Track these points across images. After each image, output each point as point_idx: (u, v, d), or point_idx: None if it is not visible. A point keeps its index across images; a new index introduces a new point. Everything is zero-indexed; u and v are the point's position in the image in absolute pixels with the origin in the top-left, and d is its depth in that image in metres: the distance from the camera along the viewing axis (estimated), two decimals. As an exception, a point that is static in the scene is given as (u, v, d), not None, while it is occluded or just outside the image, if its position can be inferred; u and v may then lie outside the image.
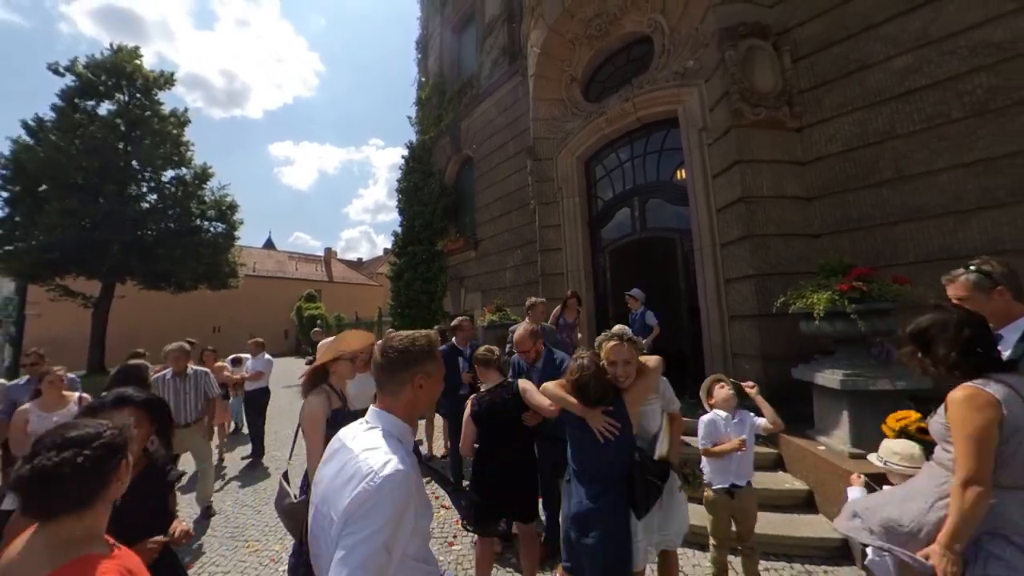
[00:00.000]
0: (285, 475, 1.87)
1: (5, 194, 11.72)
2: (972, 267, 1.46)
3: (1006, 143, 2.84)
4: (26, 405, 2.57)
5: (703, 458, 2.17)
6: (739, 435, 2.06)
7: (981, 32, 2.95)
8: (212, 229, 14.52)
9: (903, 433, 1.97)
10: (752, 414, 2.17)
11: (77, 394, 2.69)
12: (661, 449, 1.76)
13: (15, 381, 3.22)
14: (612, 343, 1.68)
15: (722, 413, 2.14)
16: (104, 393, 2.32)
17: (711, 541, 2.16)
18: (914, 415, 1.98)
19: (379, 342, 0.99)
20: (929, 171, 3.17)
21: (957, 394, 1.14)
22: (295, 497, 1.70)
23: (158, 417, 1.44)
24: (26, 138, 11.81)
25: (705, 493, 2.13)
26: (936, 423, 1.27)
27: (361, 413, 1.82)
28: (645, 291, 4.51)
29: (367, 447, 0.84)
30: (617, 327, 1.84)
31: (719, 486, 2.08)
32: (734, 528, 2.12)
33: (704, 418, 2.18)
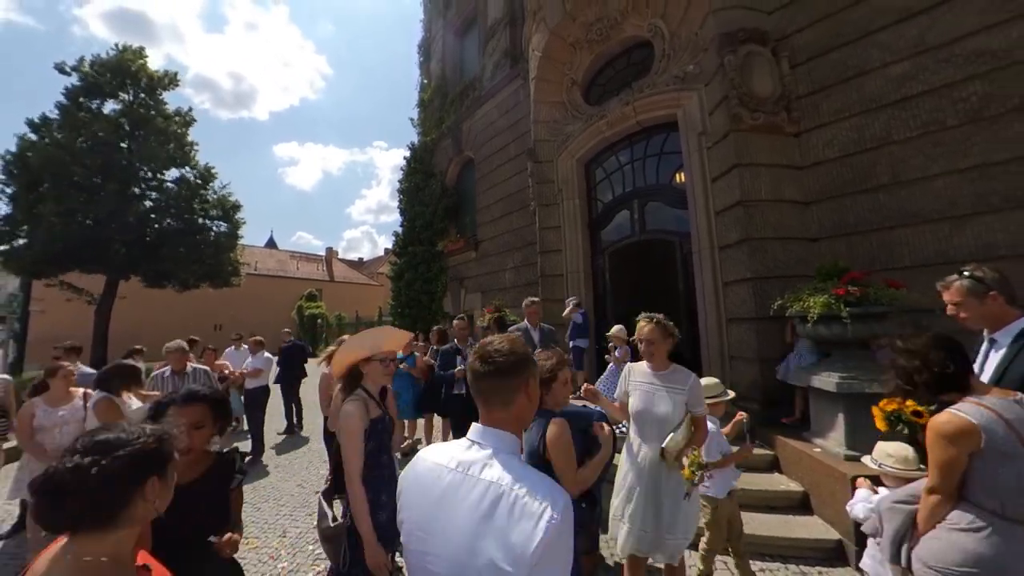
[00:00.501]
0: (326, 493, 1.68)
1: (10, 191, 11.83)
2: (965, 273, 1.50)
3: (1000, 150, 2.87)
4: (34, 399, 2.61)
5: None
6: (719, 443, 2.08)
7: (976, 40, 2.99)
8: (215, 228, 14.61)
9: (895, 416, 1.97)
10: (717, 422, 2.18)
11: (82, 390, 2.72)
12: (672, 441, 1.73)
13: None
14: (641, 323, 1.89)
15: (715, 419, 2.18)
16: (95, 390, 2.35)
17: (703, 545, 2.18)
18: (909, 401, 1.98)
19: (473, 352, 0.88)
20: (925, 177, 3.20)
21: (937, 419, 1.19)
22: (332, 520, 1.56)
23: (223, 415, 1.42)
24: (31, 135, 11.93)
25: (714, 505, 2.12)
26: None
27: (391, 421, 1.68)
28: (644, 293, 4.57)
29: (516, 477, 0.73)
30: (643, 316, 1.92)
31: (717, 495, 2.08)
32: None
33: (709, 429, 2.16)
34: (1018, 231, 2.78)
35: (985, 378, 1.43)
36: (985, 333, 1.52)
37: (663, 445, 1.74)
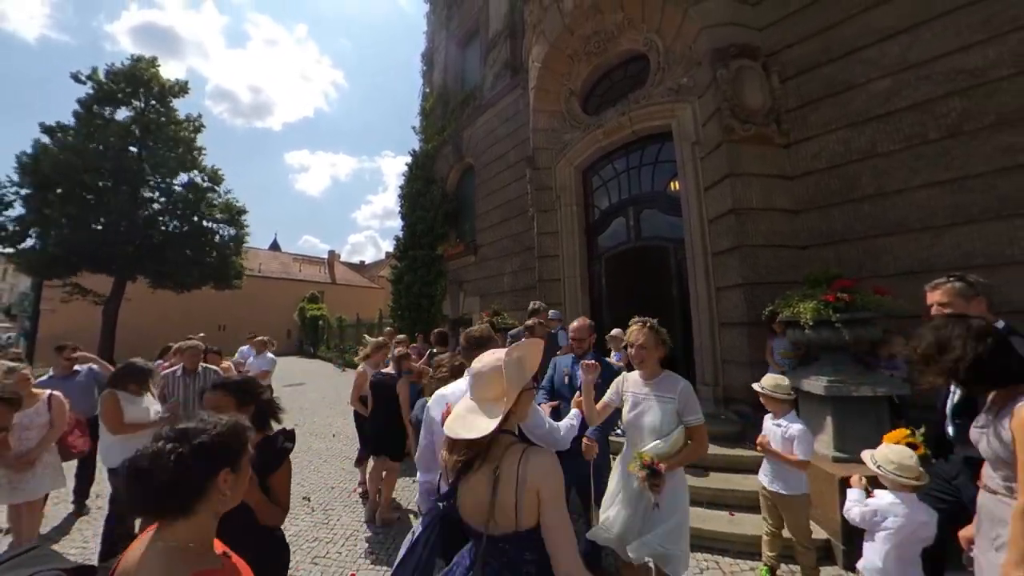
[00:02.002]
0: None
1: (23, 194, 12.08)
2: (954, 276, 1.57)
3: (978, 164, 2.98)
4: None
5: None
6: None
7: (955, 59, 3.12)
8: (220, 232, 14.84)
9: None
10: (800, 426, 2.19)
11: (48, 392, 2.65)
12: (654, 450, 1.69)
13: (40, 378, 3.20)
14: (633, 326, 1.88)
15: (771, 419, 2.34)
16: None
17: (765, 528, 2.39)
18: (903, 432, 2.02)
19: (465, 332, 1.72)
20: (907, 188, 3.32)
21: (1020, 411, 1.02)
22: None
23: (246, 401, 1.42)
24: (45, 139, 12.22)
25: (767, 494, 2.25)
26: (982, 433, 1.16)
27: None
28: (639, 298, 4.69)
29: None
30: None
31: (780, 490, 2.21)
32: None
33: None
34: (995, 240, 2.88)
35: None
36: None
37: (641, 450, 1.69)
